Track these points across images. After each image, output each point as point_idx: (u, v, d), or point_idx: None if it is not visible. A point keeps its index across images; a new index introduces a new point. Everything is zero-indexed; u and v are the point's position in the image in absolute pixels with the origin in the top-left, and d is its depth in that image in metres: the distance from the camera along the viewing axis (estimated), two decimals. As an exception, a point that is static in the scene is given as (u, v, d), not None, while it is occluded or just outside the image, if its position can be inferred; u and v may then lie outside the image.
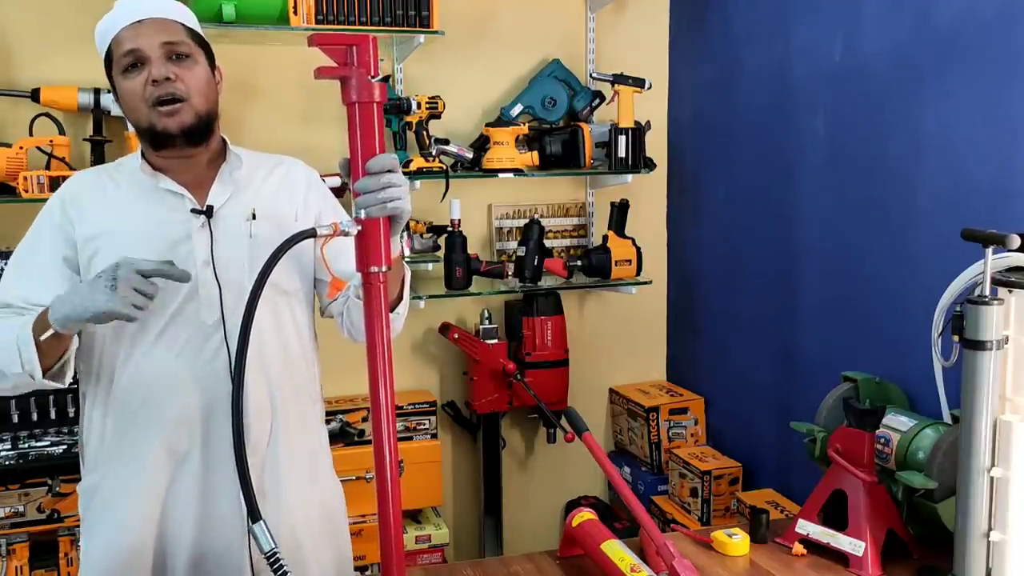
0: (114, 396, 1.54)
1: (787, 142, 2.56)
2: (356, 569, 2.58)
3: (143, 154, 1.58)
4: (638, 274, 2.95)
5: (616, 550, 1.59)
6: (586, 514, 1.74)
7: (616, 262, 2.89)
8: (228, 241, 1.55)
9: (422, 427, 2.85)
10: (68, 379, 1.49)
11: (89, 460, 1.59)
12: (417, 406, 2.84)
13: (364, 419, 2.75)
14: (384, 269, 1.32)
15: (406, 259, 2.57)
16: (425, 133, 2.72)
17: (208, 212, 1.54)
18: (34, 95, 2.44)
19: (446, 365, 3.07)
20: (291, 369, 1.62)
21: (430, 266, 2.80)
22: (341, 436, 2.71)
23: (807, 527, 1.75)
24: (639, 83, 2.83)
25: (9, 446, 2.44)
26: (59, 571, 2.44)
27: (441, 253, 2.79)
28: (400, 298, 1.57)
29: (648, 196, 3.16)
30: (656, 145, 3.07)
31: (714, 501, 2.72)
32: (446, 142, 2.78)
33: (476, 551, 3.07)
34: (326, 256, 1.36)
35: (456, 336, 2.88)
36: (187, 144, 1.53)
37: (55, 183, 2.34)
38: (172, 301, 1.50)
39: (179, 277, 1.38)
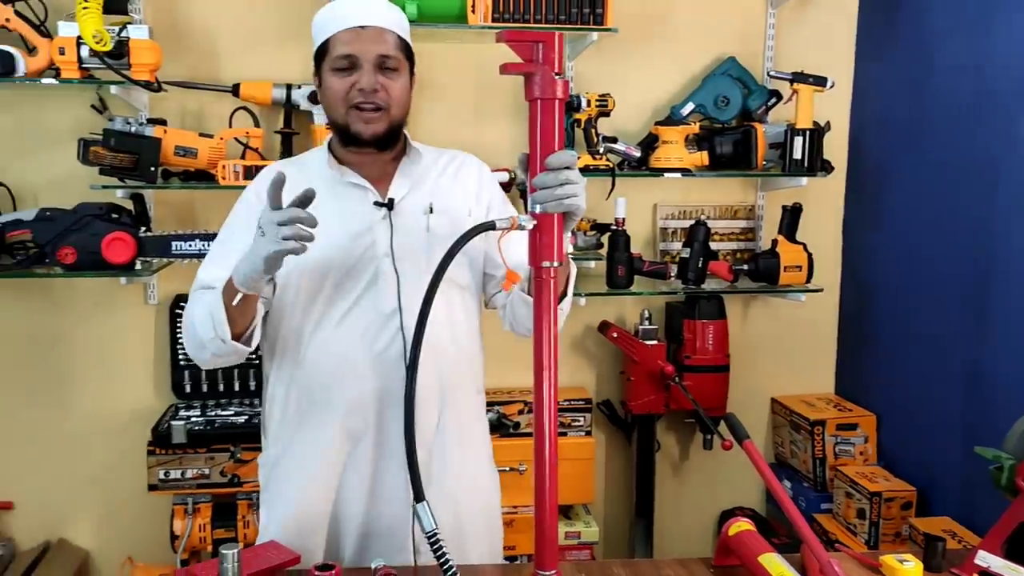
0: (297, 376, 1.61)
1: (986, 145, 2.38)
2: (505, 559, 2.62)
3: (330, 148, 1.67)
4: (808, 281, 2.83)
5: (775, 564, 1.53)
6: (744, 524, 1.68)
7: (785, 267, 2.79)
8: (407, 233, 1.60)
9: (577, 424, 2.86)
10: (255, 345, 1.56)
11: (271, 435, 1.69)
12: (573, 402, 2.85)
13: (520, 412, 2.79)
14: (556, 264, 1.34)
15: (569, 255, 2.59)
16: (593, 131, 2.72)
17: (389, 205, 1.61)
18: (234, 90, 2.63)
19: (603, 363, 3.06)
20: (460, 360, 1.67)
21: (592, 264, 2.81)
22: (497, 428, 2.76)
23: (988, 559, 1.63)
24: (820, 82, 2.72)
25: (198, 412, 2.66)
26: (237, 532, 2.61)
27: (604, 251, 2.78)
28: (564, 294, 1.58)
29: (823, 200, 3.02)
30: (834, 147, 2.94)
31: (883, 525, 2.57)
32: (614, 140, 2.77)
33: (625, 553, 3.05)
34: (502, 249, 1.39)
35: (615, 335, 2.87)
36: (375, 148, 1.61)
37: (250, 172, 2.52)
38: (353, 288, 1.58)
39: (303, 198, 1.40)
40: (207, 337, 1.49)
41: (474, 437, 1.72)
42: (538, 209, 1.32)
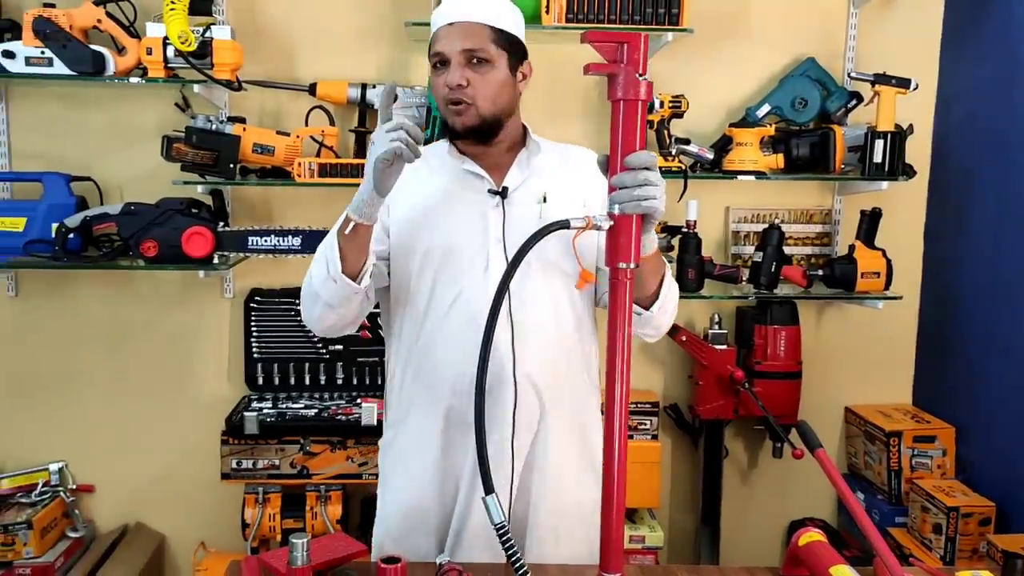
0: (410, 359, 1.66)
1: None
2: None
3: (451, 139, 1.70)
4: (886, 288, 2.76)
5: (846, 576, 1.50)
6: (815, 535, 1.65)
7: (863, 274, 2.72)
8: (519, 221, 1.61)
9: (643, 427, 2.83)
10: (363, 285, 1.55)
11: (389, 416, 1.74)
12: (639, 405, 2.83)
13: (587, 413, 2.78)
14: (632, 266, 1.34)
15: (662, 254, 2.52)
16: (666, 132, 2.70)
17: (503, 193, 1.64)
18: (311, 89, 2.68)
19: (671, 367, 3.03)
20: (566, 354, 1.66)
21: (663, 266, 2.78)
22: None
23: (1071, 581, 1.56)
24: (903, 83, 2.64)
25: (270, 405, 2.72)
26: (305, 523, 2.67)
27: (674, 254, 2.75)
28: (657, 295, 1.58)
29: (904, 205, 2.94)
30: (917, 151, 2.85)
31: (960, 541, 2.49)
32: (687, 142, 2.74)
33: (690, 559, 3.01)
34: (577, 248, 1.40)
35: (684, 339, 2.84)
36: (472, 140, 1.63)
37: (324, 170, 2.56)
38: (465, 273, 1.61)
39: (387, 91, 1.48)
40: (320, 280, 1.53)
41: (583, 432, 1.70)
42: (616, 210, 1.32)
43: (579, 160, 1.73)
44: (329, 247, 1.52)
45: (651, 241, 1.46)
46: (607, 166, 1.34)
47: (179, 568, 2.98)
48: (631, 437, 2.80)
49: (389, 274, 1.66)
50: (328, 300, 1.55)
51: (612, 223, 1.34)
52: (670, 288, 1.61)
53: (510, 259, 1.55)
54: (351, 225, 1.48)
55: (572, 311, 1.67)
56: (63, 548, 2.76)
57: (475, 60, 1.58)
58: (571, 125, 2.84)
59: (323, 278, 1.53)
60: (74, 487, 2.90)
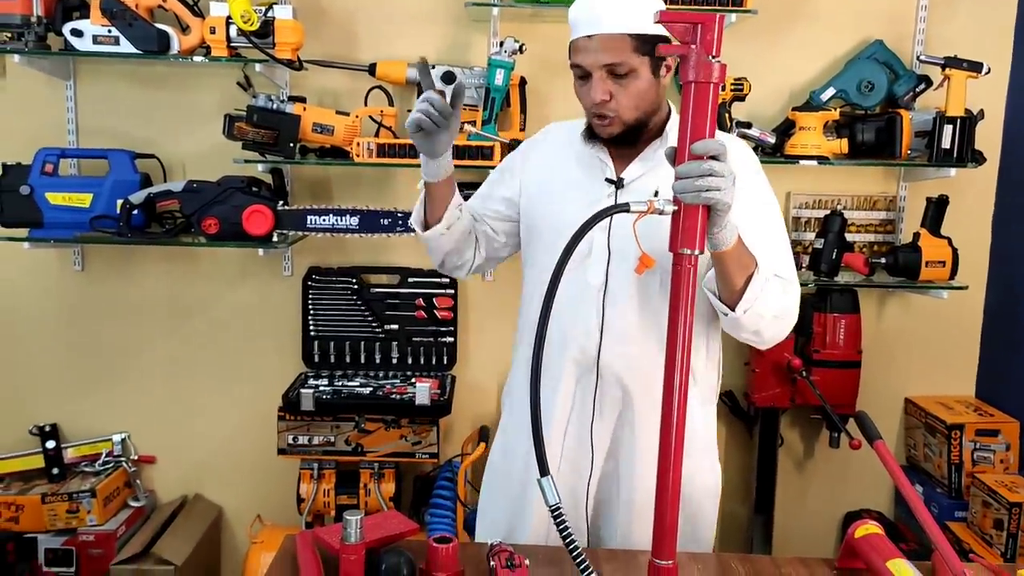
0: (526, 314, 1.77)
1: None
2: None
3: None
4: (952, 278, 2.69)
5: (905, 570, 1.47)
6: (872, 527, 1.62)
7: (927, 263, 2.65)
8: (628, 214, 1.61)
9: (698, 414, 2.80)
10: (476, 247, 1.77)
11: (513, 352, 1.84)
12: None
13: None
14: (696, 252, 1.31)
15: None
16: (727, 115, 2.65)
17: (619, 183, 1.63)
18: (371, 69, 2.69)
19: (727, 354, 2.92)
20: (658, 346, 1.57)
21: (721, 251, 2.74)
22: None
23: None
24: (975, 67, 2.55)
25: (326, 382, 2.75)
26: (359, 499, 2.70)
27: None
28: (742, 293, 1.49)
29: (972, 193, 2.85)
30: (987, 136, 2.76)
31: (1022, 537, 2.42)
32: (748, 125, 2.69)
33: (742, 548, 2.98)
34: (637, 232, 1.38)
35: (741, 325, 2.80)
36: (620, 145, 1.64)
37: (383, 150, 2.58)
38: (574, 258, 1.61)
39: (455, 92, 1.56)
40: (414, 226, 1.73)
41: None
42: (679, 199, 1.30)
43: None
44: (417, 202, 1.71)
45: (730, 234, 1.39)
46: (675, 157, 1.31)
47: (236, 539, 3.05)
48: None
49: (520, 238, 1.79)
50: (422, 240, 1.74)
51: (675, 208, 1.31)
52: (763, 290, 1.51)
53: (611, 248, 1.62)
54: (421, 182, 1.65)
55: (662, 300, 1.61)
56: (125, 517, 2.84)
57: (616, 74, 1.55)
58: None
59: (414, 224, 1.73)
60: (136, 458, 2.98)
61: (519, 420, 1.75)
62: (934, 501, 2.78)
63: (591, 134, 1.65)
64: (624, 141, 1.62)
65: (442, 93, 1.53)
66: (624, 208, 1.29)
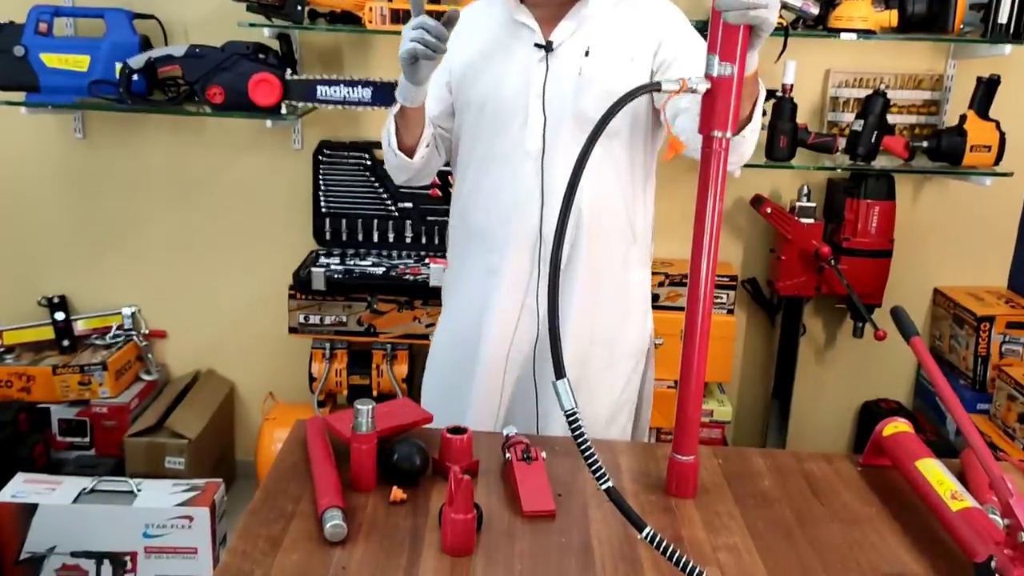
0: (460, 199, 1.72)
1: None
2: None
3: None
4: (997, 163, 2.54)
5: (935, 471, 1.41)
6: (901, 425, 1.56)
7: (972, 147, 2.51)
8: (559, 76, 1.58)
9: (719, 300, 2.74)
10: (418, 157, 1.63)
11: (448, 249, 1.82)
12: (717, 279, 2.71)
13: (660, 284, 2.69)
14: (728, 135, 1.22)
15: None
16: (767, -18, 2.45)
17: (548, 47, 1.59)
18: (383, -75, 2.50)
19: (752, 239, 2.90)
20: (603, 204, 1.63)
21: (752, 132, 2.60)
22: (635, 297, 2.67)
23: None
24: (1043, -68, 2.34)
25: (338, 261, 2.68)
26: (371, 380, 2.68)
27: (767, 119, 2.56)
28: (750, 119, 1.45)
29: (1025, 73, 2.68)
30: (1048, 11, 2.56)
31: (1047, 433, 2.39)
32: (790, -6, 2.50)
33: (758, 435, 2.97)
34: (667, 116, 1.34)
35: (769, 210, 2.69)
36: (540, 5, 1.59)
37: (396, 16, 2.42)
38: (507, 126, 1.61)
39: (446, 19, 1.44)
40: (385, 148, 1.64)
41: (617, 283, 1.69)
42: (723, 18, 1.18)
43: (637, 10, 1.62)
44: (389, 123, 1.61)
45: (753, 60, 1.30)
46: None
47: (248, 415, 3.06)
48: (705, 310, 2.71)
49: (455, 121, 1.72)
50: (392, 164, 1.66)
51: (709, 85, 1.20)
52: (759, 115, 1.48)
53: (546, 112, 1.58)
54: (397, 107, 1.55)
55: (613, 167, 1.62)
56: (137, 390, 2.84)
57: None
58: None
59: (386, 148, 1.63)
60: (147, 332, 2.96)
61: (462, 310, 1.75)
62: (957, 393, 2.70)
63: None
64: None
65: (431, 14, 1.43)
66: (656, 87, 1.18)
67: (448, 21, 1.43)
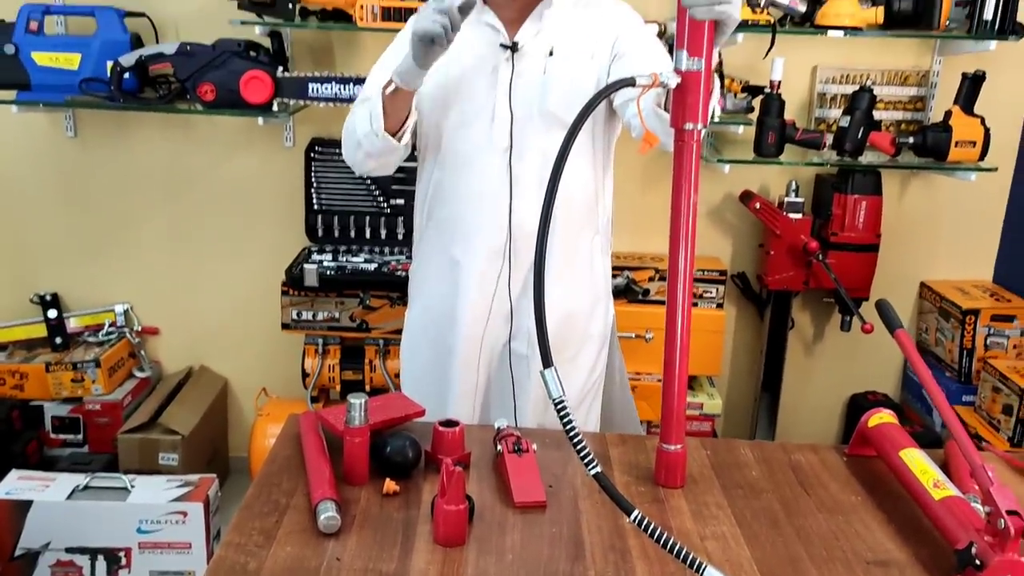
0: (426, 193, 1.77)
1: None
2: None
3: None
4: (981, 159, 2.57)
5: (918, 461, 1.43)
6: (886, 416, 1.58)
7: (957, 142, 2.54)
8: (526, 75, 1.65)
9: (708, 295, 2.76)
10: (403, 144, 1.65)
11: (414, 245, 1.86)
12: (706, 273, 2.74)
13: (651, 279, 2.71)
14: (700, 127, 1.26)
15: (717, 120, 2.46)
16: (755, -20, 2.48)
17: (513, 47, 1.66)
18: (373, -77, 2.51)
19: (741, 234, 2.92)
20: (570, 195, 1.68)
21: (740, 129, 2.63)
22: (625, 293, 2.70)
23: None
24: (1026, -71, 2.37)
25: (330, 257, 2.69)
26: (363, 375, 2.70)
27: (754, 116, 2.59)
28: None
29: (1011, 69, 2.70)
30: (1032, 8, 2.59)
31: (1031, 424, 2.42)
32: (777, -9, 2.52)
33: (747, 428, 3.00)
34: (642, 109, 1.36)
35: (758, 206, 2.71)
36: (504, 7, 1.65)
37: (388, 13, 2.43)
38: (473, 123, 1.67)
39: (464, 4, 1.46)
40: (363, 132, 1.63)
41: (580, 270, 1.76)
42: (688, 14, 1.21)
43: (595, 12, 1.71)
44: (373, 104, 1.60)
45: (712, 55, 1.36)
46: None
47: (242, 411, 3.07)
48: (696, 305, 2.73)
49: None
50: (369, 151, 1.65)
51: (679, 80, 1.23)
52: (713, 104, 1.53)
53: (512, 110, 1.65)
54: (392, 87, 1.55)
55: (578, 160, 1.68)
56: (131, 387, 2.85)
57: None
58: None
59: (366, 131, 1.62)
60: (139, 329, 2.96)
61: (432, 303, 1.79)
62: (942, 385, 2.76)
63: None
64: None
65: (465, 8, 1.46)
66: (630, 82, 1.22)
67: (464, 7, 1.47)
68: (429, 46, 1.47)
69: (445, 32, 1.44)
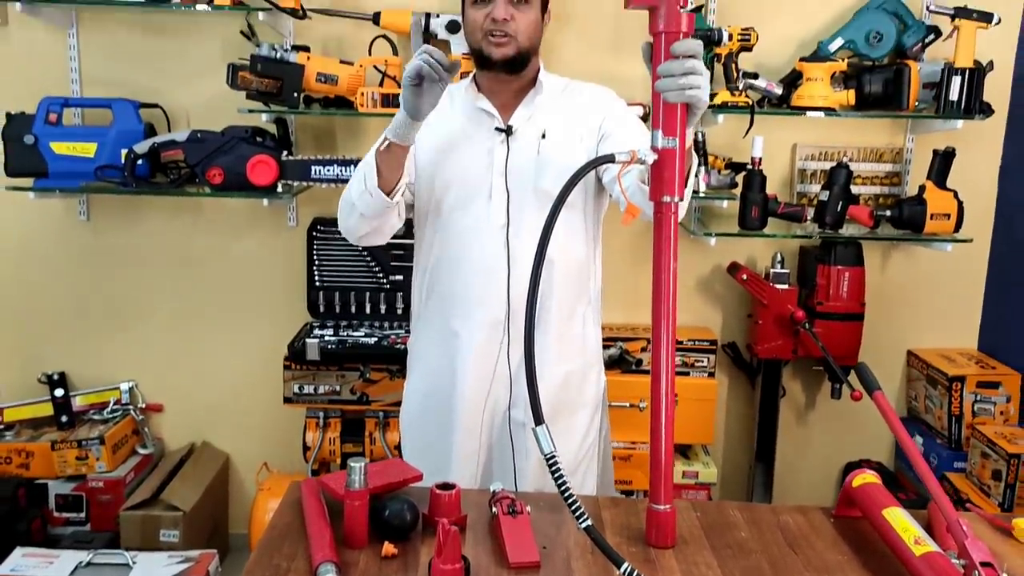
0: (425, 269, 1.87)
1: None
2: (621, 493, 2.65)
3: (474, 78, 1.84)
4: (957, 230, 2.67)
5: (900, 519, 1.48)
6: (869, 476, 1.63)
7: (932, 215, 2.64)
8: (520, 156, 1.78)
9: (700, 364, 2.83)
10: (396, 200, 1.71)
11: (412, 319, 1.97)
12: (697, 343, 2.81)
13: (643, 349, 2.78)
14: (677, 199, 1.35)
15: (702, 195, 2.58)
16: (734, 66, 2.62)
17: (508, 131, 1.79)
18: (375, 18, 2.66)
19: (730, 305, 3.00)
20: (563, 267, 1.79)
21: (725, 203, 2.74)
22: (619, 363, 2.77)
23: None
24: (985, 17, 2.51)
25: (331, 332, 2.77)
26: (364, 447, 2.74)
27: (738, 191, 2.70)
28: (685, 183, 1.56)
29: (979, 146, 2.83)
30: (996, 89, 2.72)
31: (1020, 488, 2.45)
32: (755, 76, 2.66)
33: (743, 497, 3.03)
34: (623, 184, 1.47)
35: (745, 277, 2.80)
36: (504, 71, 1.78)
37: (387, 100, 2.56)
38: (472, 201, 1.78)
39: (448, 65, 1.57)
40: (357, 193, 1.71)
41: (574, 337, 1.85)
42: (662, 98, 1.31)
43: (582, 98, 1.86)
44: (367, 164, 1.69)
45: (688, 135, 1.44)
46: (651, 55, 1.35)
47: (243, 486, 3.10)
48: (687, 374, 2.80)
49: (414, 198, 1.85)
50: (363, 211, 1.72)
51: (656, 157, 1.33)
52: (692, 179, 1.63)
53: (509, 188, 1.76)
54: (386, 143, 1.64)
55: (567, 232, 1.78)
56: (133, 464, 2.88)
57: (518, 1, 1.74)
58: (636, 57, 2.72)
59: (360, 191, 1.70)
60: (143, 406, 3.01)
61: (431, 374, 1.88)
62: (933, 452, 2.81)
63: (481, 62, 1.78)
64: (512, 68, 1.76)
65: (438, 42, 1.60)
66: (610, 159, 1.32)
67: (451, 67, 1.57)
68: (419, 88, 1.57)
69: (431, 68, 1.54)
